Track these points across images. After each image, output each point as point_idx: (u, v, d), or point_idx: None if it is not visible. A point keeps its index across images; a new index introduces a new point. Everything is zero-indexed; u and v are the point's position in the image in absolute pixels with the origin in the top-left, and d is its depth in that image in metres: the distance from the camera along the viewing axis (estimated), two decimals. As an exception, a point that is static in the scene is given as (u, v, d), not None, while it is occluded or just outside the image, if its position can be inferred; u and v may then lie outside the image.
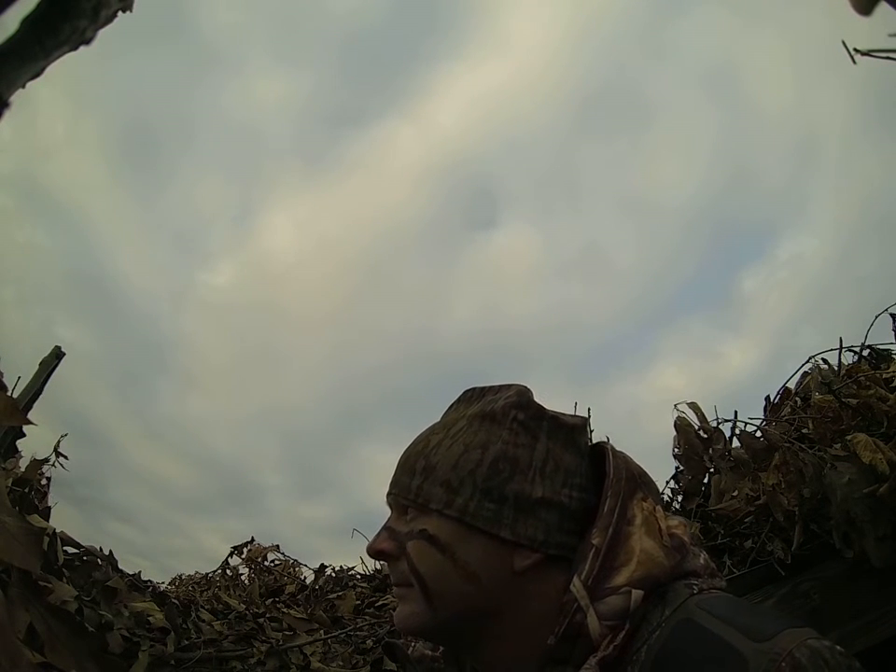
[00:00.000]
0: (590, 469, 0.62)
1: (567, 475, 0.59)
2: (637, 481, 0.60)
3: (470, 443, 0.59)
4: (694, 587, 0.55)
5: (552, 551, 0.57)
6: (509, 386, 0.64)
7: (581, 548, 0.56)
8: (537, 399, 0.64)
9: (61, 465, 1.53)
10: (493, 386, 0.65)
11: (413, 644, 0.70)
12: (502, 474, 0.57)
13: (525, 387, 0.64)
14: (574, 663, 0.53)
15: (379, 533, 0.63)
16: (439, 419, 0.66)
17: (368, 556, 0.67)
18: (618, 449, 0.64)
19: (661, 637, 0.52)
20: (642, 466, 0.65)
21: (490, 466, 0.57)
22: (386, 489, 0.64)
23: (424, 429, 0.65)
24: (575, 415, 0.65)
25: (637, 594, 0.52)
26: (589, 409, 2.09)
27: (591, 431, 2.09)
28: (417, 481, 0.59)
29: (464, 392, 0.66)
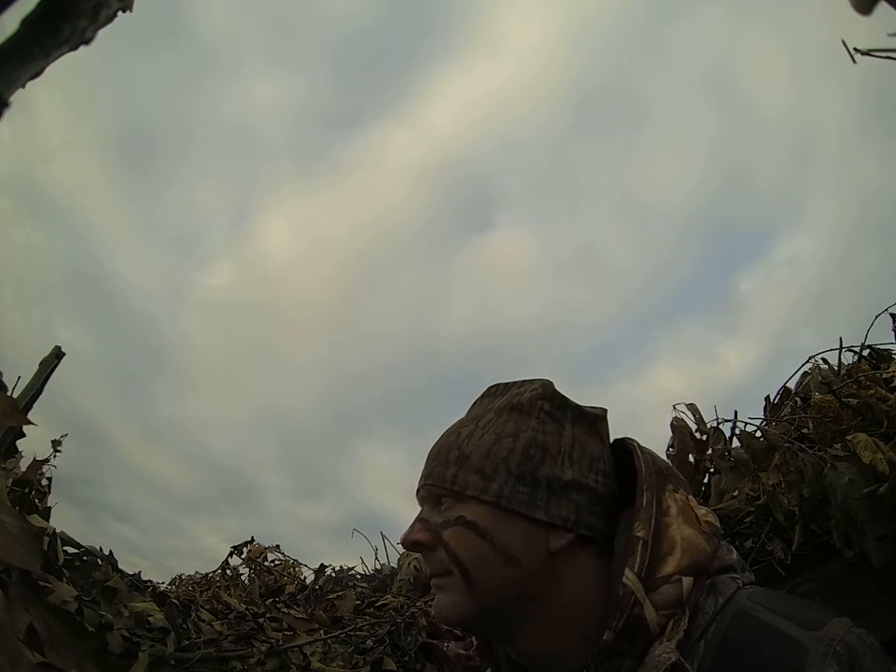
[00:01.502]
0: (612, 459, 0.64)
1: (592, 460, 0.61)
2: (665, 474, 0.61)
3: (502, 432, 0.61)
4: (738, 581, 0.56)
5: (583, 531, 0.59)
6: (532, 381, 0.66)
7: (626, 541, 0.57)
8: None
9: (54, 466, 1.53)
10: (516, 381, 0.67)
11: (447, 644, 0.71)
12: (534, 459, 0.59)
13: (549, 381, 0.66)
14: (632, 654, 0.53)
15: (413, 525, 0.63)
16: (461, 417, 0.68)
17: (400, 541, 0.67)
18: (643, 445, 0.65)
19: (718, 630, 0.53)
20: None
21: (522, 452, 0.59)
22: (416, 484, 0.65)
23: (450, 425, 0.66)
24: (595, 407, 0.66)
25: (687, 580, 0.53)
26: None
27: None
28: (452, 470, 0.60)
29: (488, 388, 0.68)
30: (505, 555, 0.57)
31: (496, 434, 0.61)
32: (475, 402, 0.69)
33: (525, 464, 0.59)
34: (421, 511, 0.64)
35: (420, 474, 0.65)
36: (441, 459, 0.62)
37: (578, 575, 0.58)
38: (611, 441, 0.66)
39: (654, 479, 0.59)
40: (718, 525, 0.59)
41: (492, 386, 0.68)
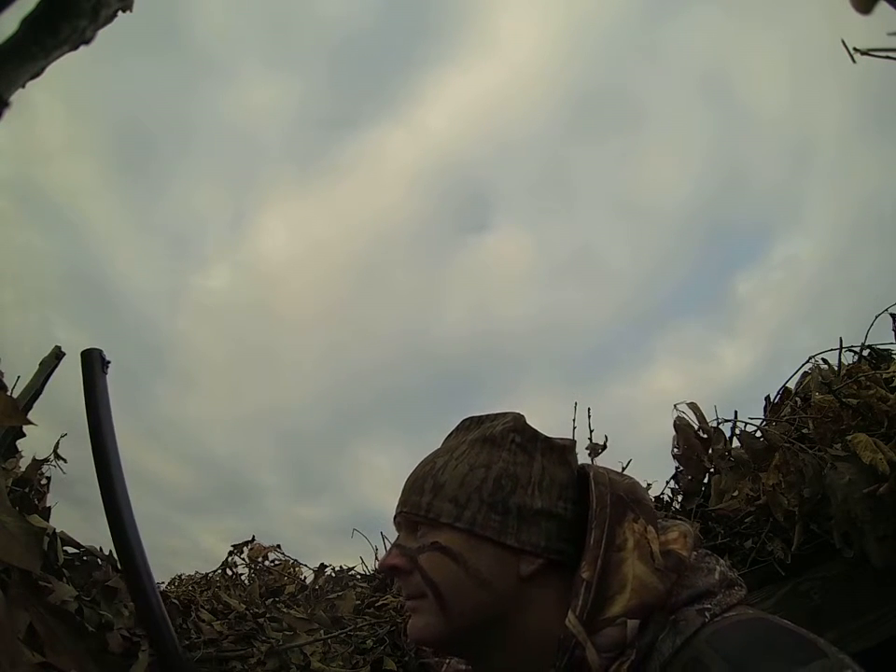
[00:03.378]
0: (581, 485, 0.65)
1: (561, 489, 0.64)
2: (627, 501, 0.61)
3: (475, 463, 0.64)
4: (707, 613, 0.54)
5: (553, 556, 0.61)
6: (505, 414, 0.69)
7: (574, 582, 0.57)
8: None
9: (59, 467, 1.53)
10: (489, 415, 0.71)
11: (447, 661, 0.74)
12: (505, 489, 0.62)
13: (521, 414, 0.69)
14: None
15: (390, 550, 0.67)
16: (440, 444, 0.71)
17: (378, 566, 0.71)
18: (603, 468, 0.66)
19: None
20: (633, 477, 0.66)
21: (494, 482, 0.62)
22: (394, 511, 0.68)
23: (426, 455, 0.69)
24: (564, 438, 0.70)
25: (632, 623, 0.53)
26: (589, 409, 2.09)
27: (592, 442, 2.08)
28: (427, 498, 0.63)
29: (462, 421, 0.72)
30: (477, 579, 0.60)
31: (469, 465, 0.64)
32: (450, 434, 0.72)
33: (497, 493, 0.61)
34: (398, 537, 0.67)
35: (397, 501, 0.68)
36: (416, 488, 0.65)
37: (547, 598, 0.60)
38: (578, 465, 0.68)
39: (609, 511, 0.60)
40: (684, 553, 0.58)
41: (466, 420, 0.71)
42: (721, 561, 0.61)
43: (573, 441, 0.69)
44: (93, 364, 0.84)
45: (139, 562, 0.76)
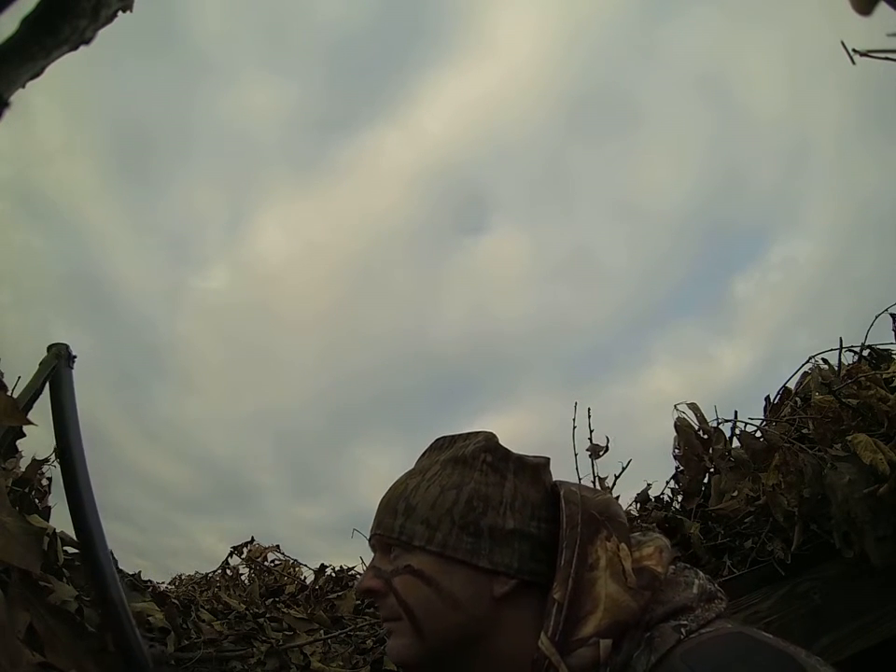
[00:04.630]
0: (556, 504, 0.65)
1: (534, 509, 0.64)
2: (599, 519, 0.61)
3: (446, 485, 0.64)
4: (683, 629, 0.54)
5: (526, 577, 0.61)
6: (476, 433, 0.70)
7: (547, 603, 0.57)
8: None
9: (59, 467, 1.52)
10: (461, 434, 0.71)
11: None
12: (476, 510, 0.62)
13: (492, 433, 0.70)
14: None
15: (366, 573, 0.67)
16: (413, 465, 0.72)
17: (354, 589, 0.71)
18: (575, 485, 0.66)
19: None
20: (608, 493, 0.66)
21: (465, 504, 0.62)
22: (368, 533, 0.69)
23: (400, 475, 0.70)
24: (538, 456, 0.70)
25: (605, 643, 0.53)
26: (589, 409, 2.09)
27: (592, 443, 2.08)
28: (400, 520, 0.64)
29: (435, 441, 0.72)
30: (451, 601, 0.60)
31: (440, 486, 0.64)
32: (423, 454, 0.72)
33: (469, 514, 0.62)
34: (373, 558, 0.68)
35: (371, 523, 0.68)
36: (389, 510, 0.66)
37: (521, 618, 0.60)
38: (552, 482, 0.68)
39: (578, 531, 0.60)
40: (658, 569, 0.58)
41: (438, 439, 0.72)
42: (701, 574, 0.61)
43: (546, 459, 0.70)
44: (59, 358, 0.86)
45: (103, 560, 0.77)
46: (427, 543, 0.61)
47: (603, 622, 0.54)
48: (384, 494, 0.69)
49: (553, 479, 0.69)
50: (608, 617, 0.54)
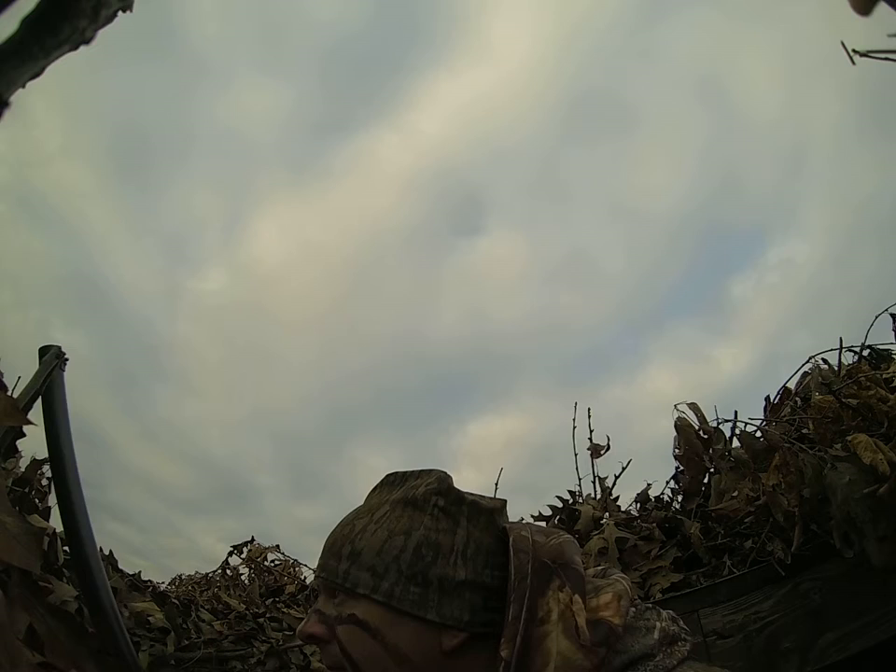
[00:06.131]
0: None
1: (488, 556, 0.60)
2: (552, 567, 0.58)
3: (394, 529, 0.61)
4: None
5: (477, 629, 0.58)
6: (429, 472, 0.66)
7: (495, 660, 0.55)
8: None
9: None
10: (414, 471, 0.67)
11: None
12: (425, 559, 0.59)
13: (446, 473, 0.66)
14: None
15: (309, 616, 0.64)
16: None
17: (297, 633, 0.68)
18: (527, 528, 0.63)
19: None
20: (565, 534, 0.63)
21: (414, 552, 0.59)
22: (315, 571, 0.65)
23: (348, 512, 0.67)
24: (494, 498, 0.67)
25: None
26: (589, 409, 2.09)
27: (593, 443, 2.08)
28: (344, 565, 0.60)
29: (386, 476, 0.69)
30: (396, 655, 0.58)
31: (388, 531, 0.60)
32: (374, 490, 0.69)
33: (417, 563, 0.58)
34: (318, 600, 0.65)
35: (317, 562, 0.65)
36: (334, 553, 0.62)
37: (472, 669, 0.58)
38: (502, 527, 0.64)
39: (529, 581, 0.57)
40: (615, 621, 0.55)
41: (390, 475, 0.69)
42: (664, 614, 0.59)
43: (503, 502, 0.66)
44: (51, 360, 0.87)
45: (93, 563, 0.78)
46: (372, 592, 0.58)
47: None
48: (330, 532, 0.65)
49: (505, 523, 0.65)
50: None
